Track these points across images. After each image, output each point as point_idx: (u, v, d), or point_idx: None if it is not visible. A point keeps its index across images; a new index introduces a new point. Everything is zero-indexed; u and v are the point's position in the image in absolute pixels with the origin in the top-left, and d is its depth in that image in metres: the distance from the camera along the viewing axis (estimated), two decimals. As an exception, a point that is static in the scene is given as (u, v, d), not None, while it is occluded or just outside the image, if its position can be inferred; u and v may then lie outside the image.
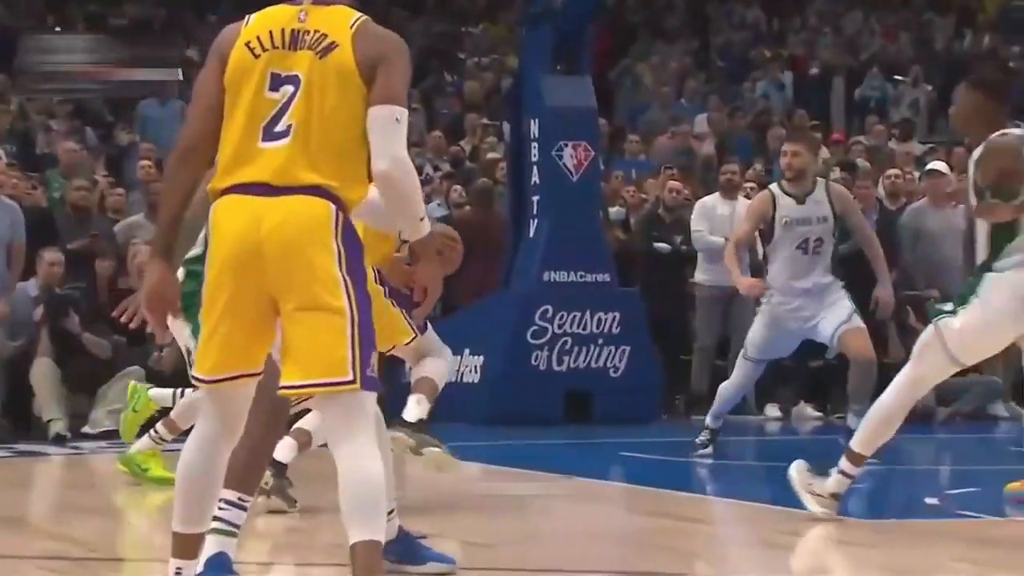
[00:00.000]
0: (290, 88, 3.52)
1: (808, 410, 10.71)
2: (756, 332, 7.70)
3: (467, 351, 9.93)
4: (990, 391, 10.52)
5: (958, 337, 5.37)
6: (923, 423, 9.63)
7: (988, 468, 8.05)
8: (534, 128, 10.15)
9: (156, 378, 8.54)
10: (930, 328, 5.49)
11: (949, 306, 5.45)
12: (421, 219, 3.59)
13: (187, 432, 6.15)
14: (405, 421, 5.98)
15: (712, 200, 10.73)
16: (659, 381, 10.36)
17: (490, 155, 13.31)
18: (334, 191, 3.50)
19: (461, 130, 14.64)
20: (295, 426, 6.09)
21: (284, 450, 5.98)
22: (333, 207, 3.50)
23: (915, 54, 18.47)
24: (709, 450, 7.87)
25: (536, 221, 10.14)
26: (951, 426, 10.05)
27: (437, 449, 5.99)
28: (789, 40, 19.39)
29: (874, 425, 5.65)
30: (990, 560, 5.19)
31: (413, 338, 6.21)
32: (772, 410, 10.87)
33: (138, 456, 6.83)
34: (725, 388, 7.97)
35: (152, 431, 6.83)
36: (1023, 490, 6.51)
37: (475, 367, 10.00)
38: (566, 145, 10.09)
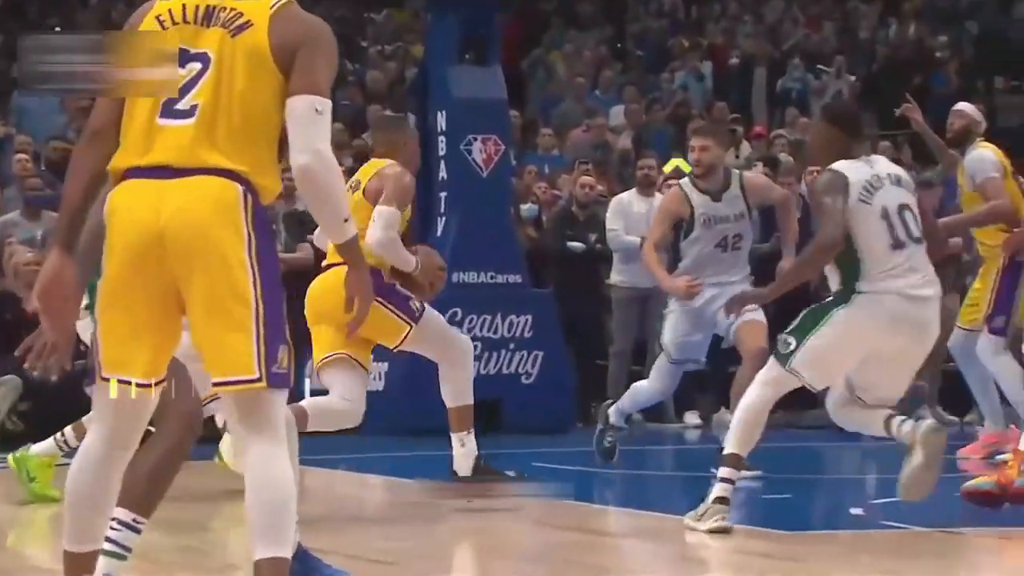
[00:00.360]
0: (197, 65, 3.47)
1: (728, 417, 10.79)
2: (671, 332, 7.74)
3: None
4: (916, 397, 10.70)
5: (806, 369, 5.75)
6: (838, 430, 9.79)
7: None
8: (441, 121, 10.16)
9: (34, 389, 8.42)
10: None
11: (792, 343, 5.76)
12: (345, 220, 3.52)
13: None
14: (463, 477, 6.41)
15: (628, 197, 10.81)
16: (573, 387, 10.41)
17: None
18: (243, 174, 3.44)
19: (364, 123, 14.59)
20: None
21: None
22: (241, 188, 3.43)
23: (839, 44, 18.73)
24: (608, 445, 7.87)
25: (444, 219, 10.14)
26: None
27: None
28: (708, 29, 19.57)
29: (745, 426, 5.86)
30: (914, 572, 5.29)
31: (403, 339, 6.34)
32: (691, 418, 10.97)
33: (33, 461, 6.73)
34: (641, 388, 8.01)
35: (59, 434, 6.74)
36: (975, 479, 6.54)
37: (379, 374, 9.96)
38: (475, 139, 10.10)
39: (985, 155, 8.03)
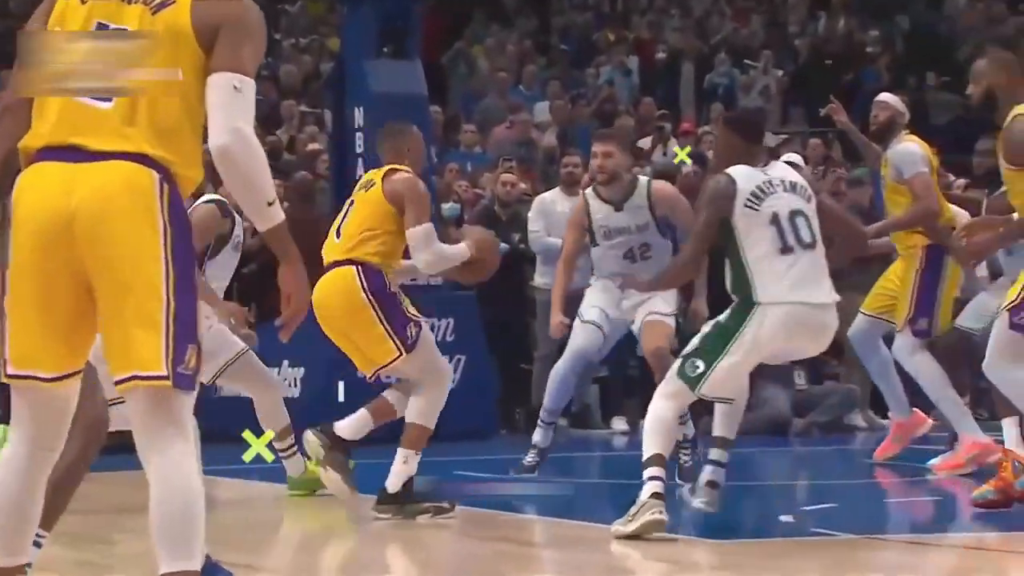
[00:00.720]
0: None
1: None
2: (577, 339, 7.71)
3: (286, 363, 9.85)
4: (847, 401, 10.82)
5: (715, 391, 5.98)
6: (778, 434, 9.86)
7: (845, 482, 8.29)
8: (358, 117, 10.11)
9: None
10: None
11: (700, 367, 5.94)
12: (270, 204, 3.43)
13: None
14: (389, 494, 6.42)
15: (552, 196, 10.82)
16: (497, 393, 10.41)
17: (310, 146, 13.22)
18: (162, 161, 3.37)
19: (278, 118, 14.50)
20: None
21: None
22: (158, 176, 3.36)
23: (767, 38, 18.89)
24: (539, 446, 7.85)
25: (362, 219, 10.10)
26: (807, 437, 10.31)
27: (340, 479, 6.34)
28: (634, 22, 19.66)
29: (657, 435, 6.00)
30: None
31: (396, 359, 6.37)
32: (619, 423, 11.01)
33: (305, 479, 7.04)
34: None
35: (277, 453, 7.15)
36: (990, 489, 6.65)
37: (295, 380, 9.92)
38: (394, 135, 10.07)
39: (913, 148, 8.06)
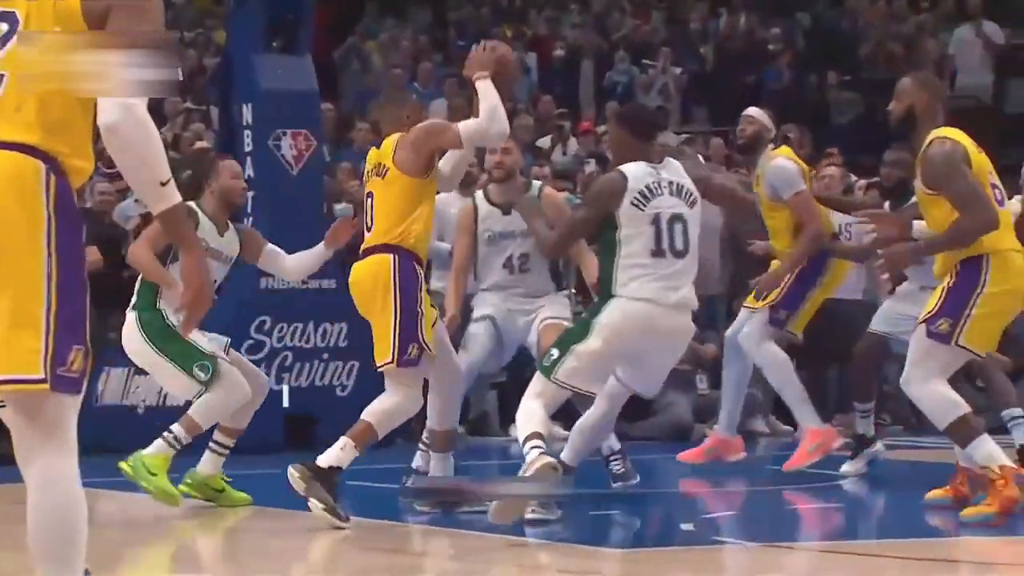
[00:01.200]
0: (4, 26, 3.35)
1: (557, 430, 10.90)
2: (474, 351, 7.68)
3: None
4: (749, 406, 10.92)
5: (570, 379, 6.20)
6: (680, 440, 9.94)
7: (747, 489, 8.37)
8: (247, 114, 10.03)
9: None
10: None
11: (555, 354, 6.21)
12: (164, 183, 3.35)
13: (207, 434, 6.07)
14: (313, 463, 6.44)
15: (446, 197, 10.78)
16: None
17: (197, 145, 13.09)
18: (49, 151, 3.31)
19: (161, 116, 14.35)
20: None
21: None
22: (44, 167, 3.30)
23: (669, 35, 19.04)
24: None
25: (251, 219, 10.00)
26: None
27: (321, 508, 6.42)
28: (532, 18, 19.72)
29: (529, 421, 6.21)
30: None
31: (386, 364, 6.62)
32: (516, 431, 11.01)
33: (147, 459, 6.93)
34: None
35: (167, 432, 7.00)
36: (944, 497, 6.88)
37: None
38: (284, 134, 10.00)
39: (787, 166, 8.15)
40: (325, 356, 10.02)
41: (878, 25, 18.71)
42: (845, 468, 8.25)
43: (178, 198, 3.39)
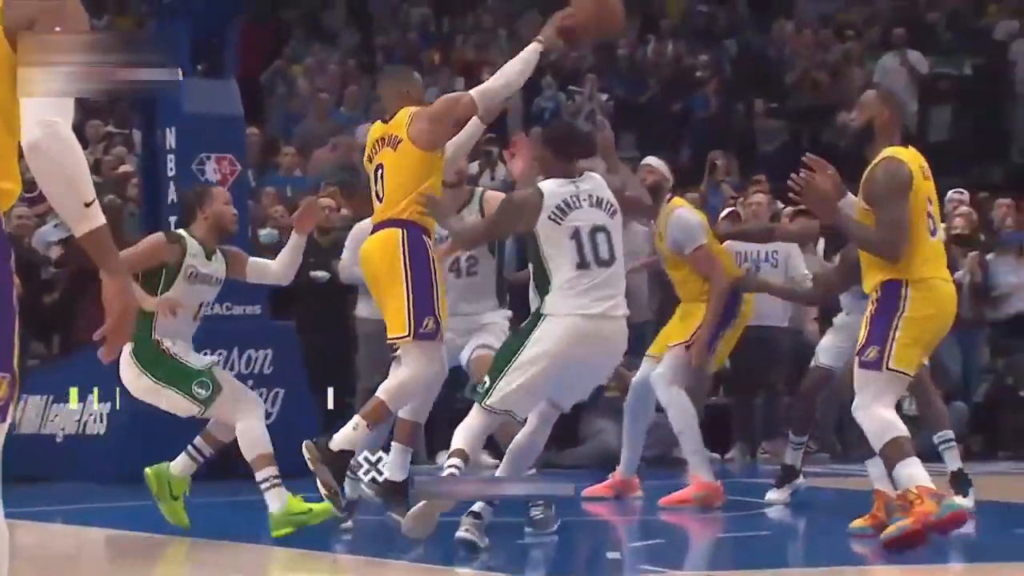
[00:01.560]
0: None
1: (485, 458, 10.87)
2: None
3: (91, 397, 9.62)
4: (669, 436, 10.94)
5: (502, 404, 6.29)
6: (607, 468, 9.93)
7: (673, 518, 8.36)
8: (170, 138, 9.95)
9: None
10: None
11: (487, 381, 6.32)
12: (88, 205, 3.25)
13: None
14: (325, 443, 6.53)
15: (369, 223, 10.74)
16: (317, 428, 10.28)
17: (121, 169, 12.98)
18: None
19: (83, 139, 14.22)
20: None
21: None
22: None
23: (597, 61, 19.11)
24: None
25: (173, 245, 9.93)
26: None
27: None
28: (460, 43, 19.74)
29: (462, 434, 6.38)
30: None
31: (402, 337, 6.58)
32: (444, 458, 10.95)
33: (175, 479, 7.11)
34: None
35: (190, 446, 7.15)
36: (866, 526, 6.92)
37: (101, 416, 9.69)
38: (208, 158, 9.93)
39: (690, 219, 8.22)
40: (250, 383, 9.86)
41: (804, 53, 18.88)
42: (770, 496, 8.28)
43: (102, 220, 3.31)
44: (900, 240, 6.33)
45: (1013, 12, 19.02)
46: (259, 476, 7.03)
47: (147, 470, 7.21)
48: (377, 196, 6.80)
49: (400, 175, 6.68)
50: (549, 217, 6.30)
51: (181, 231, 7.28)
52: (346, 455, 6.51)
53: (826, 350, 8.14)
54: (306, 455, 6.55)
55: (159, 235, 7.31)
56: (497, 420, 6.35)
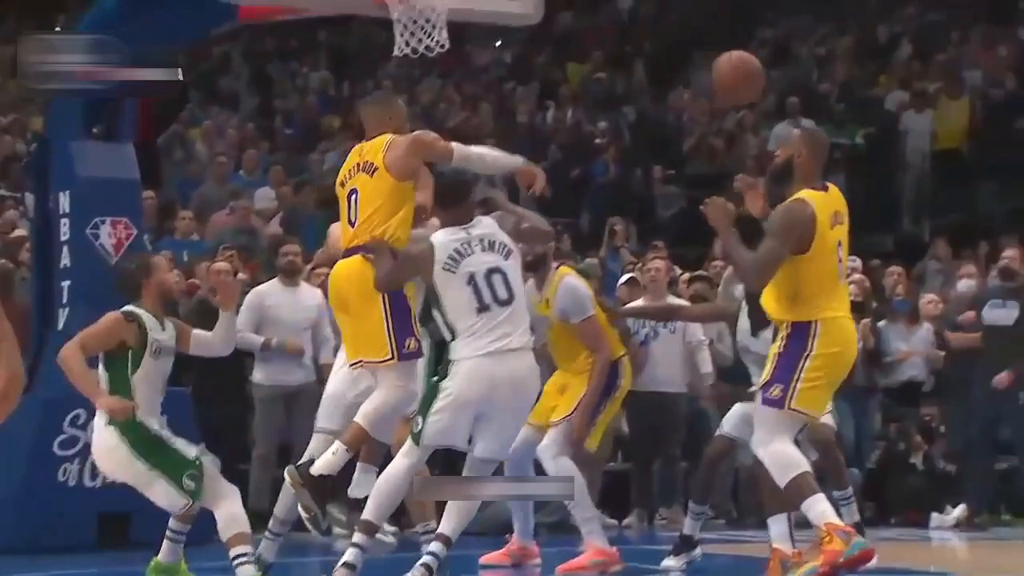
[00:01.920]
0: None
1: (386, 527, 10.75)
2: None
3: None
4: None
5: (432, 441, 6.49)
6: (504, 534, 9.89)
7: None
8: (64, 202, 9.82)
9: None
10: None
11: (420, 421, 6.49)
12: None
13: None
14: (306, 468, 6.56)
15: (267, 288, 10.68)
16: (212, 495, 10.14)
17: (15, 233, 12.79)
18: None
19: (-30, 203, 14.03)
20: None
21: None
22: None
23: (497, 127, 19.22)
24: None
25: (67, 310, 9.78)
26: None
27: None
28: (359, 107, 19.74)
29: (383, 496, 6.50)
30: None
31: (386, 360, 6.56)
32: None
33: (173, 568, 7.08)
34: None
35: (168, 530, 7.09)
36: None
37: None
38: (103, 222, 9.81)
39: (580, 289, 8.23)
40: (143, 450, 9.76)
41: (701, 121, 19.13)
42: (667, 563, 8.27)
43: None
44: (763, 276, 6.43)
45: (903, 83, 19.42)
46: (232, 552, 6.94)
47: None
48: (349, 221, 6.83)
49: (376, 200, 6.74)
50: (443, 268, 6.46)
51: (132, 308, 7.02)
52: (325, 480, 6.59)
53: (732, 420, 8.13)
54: (288, 479, 6.68)
55: (115, 314, 7.01)
56: (417, 457, 6.53)
